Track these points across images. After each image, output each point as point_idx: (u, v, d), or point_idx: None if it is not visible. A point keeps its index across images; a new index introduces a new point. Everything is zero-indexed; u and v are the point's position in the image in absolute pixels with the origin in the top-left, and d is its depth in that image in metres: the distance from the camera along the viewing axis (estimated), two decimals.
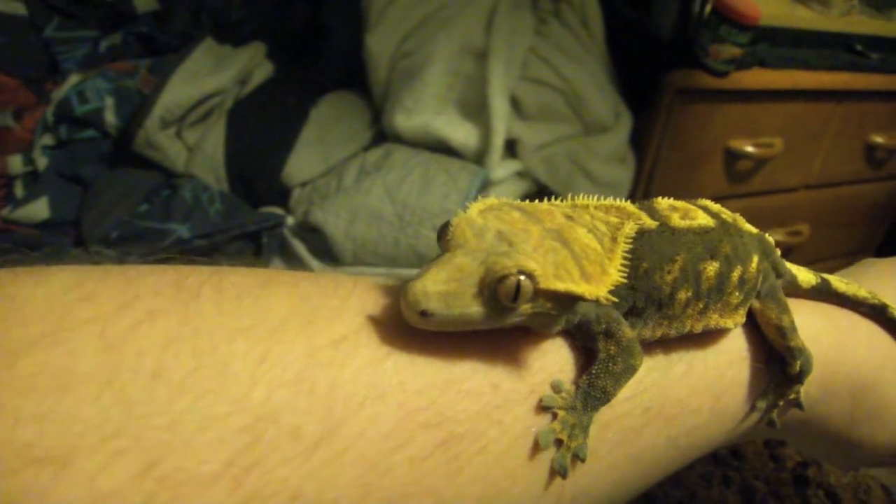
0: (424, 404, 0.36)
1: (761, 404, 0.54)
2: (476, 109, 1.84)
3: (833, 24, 2.27)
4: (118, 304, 0.32)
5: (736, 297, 0.50)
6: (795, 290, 0.60)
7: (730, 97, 2.06)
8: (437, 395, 0.36)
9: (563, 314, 0.41)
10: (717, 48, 1.91)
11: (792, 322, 0.53)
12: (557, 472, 0.40)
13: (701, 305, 0.48)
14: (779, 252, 0.58)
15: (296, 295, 0.37)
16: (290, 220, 1.83)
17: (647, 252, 0.44)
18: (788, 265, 0.60)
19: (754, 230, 0.54)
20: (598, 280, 0.39)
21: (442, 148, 1.87)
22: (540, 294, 0.37)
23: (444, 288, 0.35)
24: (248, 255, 1.75)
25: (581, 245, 0.40)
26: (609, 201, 0.46)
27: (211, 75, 1.84)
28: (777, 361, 0.54)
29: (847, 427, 0.60)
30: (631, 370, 0.42)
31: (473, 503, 0.37)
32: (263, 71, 1.97)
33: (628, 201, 0.47)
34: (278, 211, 1.84)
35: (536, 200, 0.43)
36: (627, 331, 0.43)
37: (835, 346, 0.58)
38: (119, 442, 0.28)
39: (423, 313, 0.35)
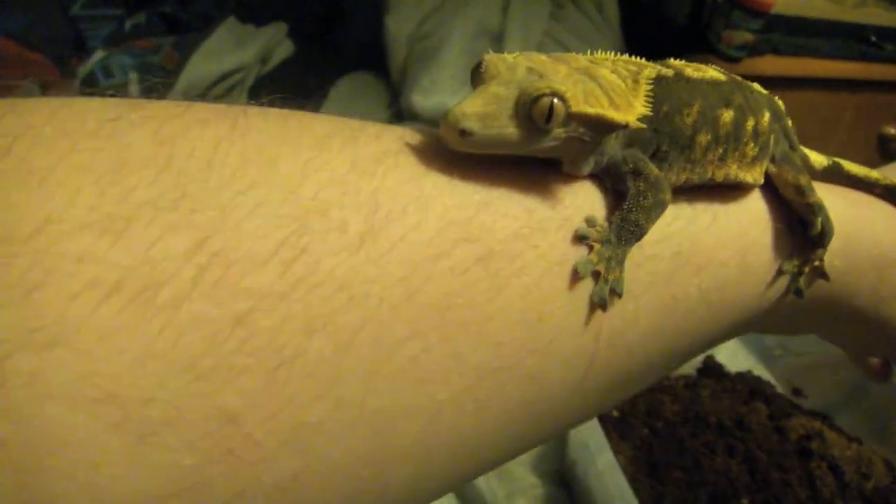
0: (464, 218, 0.37)
1: (787, 267, 0.54)
2: None
3: (847, 14, 2.28)
4: (169, 112, 0.33)
5: (752, 148, 0.51)
6: (808, 172, 0.59)
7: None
8: (474, 212, 0.37)
9: (592, 145, 0.41)
10: (730, 34, 1.93)
11: (809, 182, 0.54)
12: (597, 304, 0.41)
13: (721, 151, 0.49)
14: (790, 122, 0.58)
15: (338, 121, 0.38)
16: None
17: (666, 96, 0.45)
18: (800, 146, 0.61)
19: (764, 91, 0.55)
20: (626, 110, 0.40)
21: None
22: (573, 118, 0.38)
23: (481, 109, 0.36)
24: None
25: (607, 80, 0.41)
26: (626, 56, 0.47)
27: (232, 52, 1.88)
28: (799, 226, 0.55)
29: (874, 304, 0.60)
30: (661, 205, 0.43)
31: (515, 325, 0.37)
32: (284, 50, 2.01)
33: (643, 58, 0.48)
34: None
35: None
36: (654, 169, 0.44)
37: (853, 221, 0.58)
38: (172, 216, 0.29)
39: (462, 132, 0.36)
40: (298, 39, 2.06)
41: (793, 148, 0.58)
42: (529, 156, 0.40)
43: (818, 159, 0.62)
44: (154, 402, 0.27)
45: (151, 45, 1.96)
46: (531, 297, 0.38)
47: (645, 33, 2.10)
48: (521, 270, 0.38)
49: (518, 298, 0.37)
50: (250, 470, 0.30)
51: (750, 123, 0.50)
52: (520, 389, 0.39)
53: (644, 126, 0.43)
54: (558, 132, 0.38)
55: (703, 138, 0.47)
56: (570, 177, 0.43)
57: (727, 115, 0.48)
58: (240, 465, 0.30)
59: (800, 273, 0.55)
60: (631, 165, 0.43)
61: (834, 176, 0.63)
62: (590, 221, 0.42)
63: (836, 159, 0.63)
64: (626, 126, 0.40)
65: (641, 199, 0.42)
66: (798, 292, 0.55)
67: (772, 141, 0.54)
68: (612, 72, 0.42)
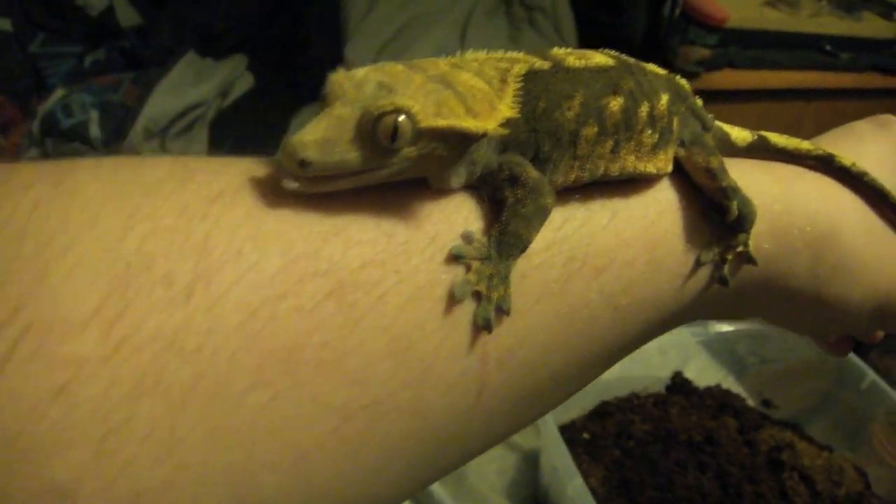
0: (310, 251, 0.34)
1: (706, 257, 0.50)
2: None
3: (802, 25, 2.31)
4: None
5: (649, 135, 0.47)
6: (730, 149, 0.57)
7: (701, 98, 2.08)
8: (322, 243, 0.34)
9: (455, 158, 0.39)
10: (686, 50, 1.95)
11: (721, 164, 0.50)
12: (481, 326, 0.38)
13: (611, 143, 0.45)
14: (700, 102, 0.55)
15: (178, 163, 0.36)
16: None
17: (542, 91, 0.42)
18: (720, 123, 0.57)
19: (662, 71, 0.51)
20: (487, 116, 0.38)
21: None
22: (423, 134, 0.35)
23: (321, 135, 0.34)
24: None
25: (466, 86, 0.38)
26: (500, 53, 0.44)
27: (193, 87, 1.88)
28: (716, 211, 0.51)
29: (812, 285, 0.56)
30: (543, 210, 0.40)
31: (380, 359, 0.35)
32: (244, 82, 2.01)
33: (522, 52, 0.45)
34: None
35: None
36: (533, 172, 0.41)
37: (781, 198, 0.54)
38: None
39: (302, 163, 0.33)
40: (259, 71, 2.06)
41: (706, 128, 0.54)
42: (387, 181, 0.37)
43: (741, 135, 0.59)
44: None
45: (111, 81, 1.95)
46: (396, 328, 0.35)
47: None
48: (381, 300, 0.35)
49: (380, 331, 0.35)
50: None
51: (644, 109, 0.46)
52: (399, 423, 0.36)
53: (507, 131, 0.40)
54: (409, 151, 0.36)
55: (589, 132, 0.44)
56: (441, 190, 0.40)
57: (615, 104, 0.45)
58: None
59: (722, 261, 0.52)
60: (507, 172, 0.41)
61: (761, 151, 0.59)
62: (466, 237, 0.39)
63: (762, 133, 0.60)
64: (484, 135, 0.38)
65: (520, 207, 0.40)
66: (722, 280, 0.52)
67: (675, 124, 0.50)
68: (478, 74, 0.40)
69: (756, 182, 0.53)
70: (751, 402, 1.27)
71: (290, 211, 0.35)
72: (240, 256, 0.32)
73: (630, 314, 0.47)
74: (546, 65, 0.43)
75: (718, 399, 1.23)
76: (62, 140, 1.86)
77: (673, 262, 0.49)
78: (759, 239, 0.52)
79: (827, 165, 0.59)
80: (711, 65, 2.02)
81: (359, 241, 0.35)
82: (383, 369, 0.35)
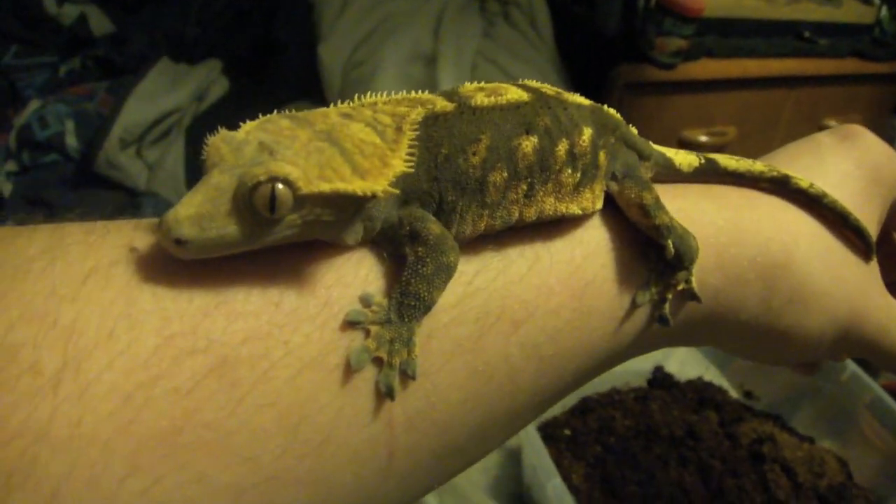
0: (188, 328, 0.32)
1: (642, 298, 0.48)
2: None
3: (780, 13, 2.30)
4: None
5: (569, 174, 0.45)
6: (677, 175, 0.55)
7: (680, 88, 2.09)
8: (201, 318, 0.33)
9: (345, 220, 0.37)
10: (662, 41, 1.94)
11: (656, 199, 0.47)
12: (384, 393, 0.36)
13: (524, 187, 0.43)
14: (635, 130, 0.52)
15: (55, 236, 0.34)
16: None
17: (444, 137, 0.40)
18: (662, 148, 0.54)
19: (586, 102, 0.48)
20: (378, 174, 0.36)
21: None
22: (307, 200, 0.34)
23: (196, 210, 0.32)
24: None
25: (355, 141, 0.36)
26: (402, 94, 0.42)
27: (168, 94, 1.87)
28: (653, 249, 0.48)
29: (765, 317, 0.53)
30: (445, 269, 0.38)
31: (270, 434, 0.33)
32: (219, 87, 2.00)
33: (426, 92, 0.43)
34: None
35: None
36: (434, 227, 0.38)
37: (730, 229, 0.52)
38: None
39: (178, 241, 0.31)
40: (233, 75, 2.06)
41: (643, 157, 0.52)
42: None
43: (687, 159, 0.55)
44: None
45: (86, 90, 1.95)
46: (284, 402, 0.34)
47: (579, 45, 2.12)
48: (267, 374, 0.34)
49: (266, 406, 0.33)
50: None
51: (562, 147, 0.44)
52: (301, 496, 0.35)
53: (398, 190, 0.37)
54: (291, 219, 0.34)
55: (498, 177, 0.42)
56: (337, 248, 0.38)
57: (528, 144, 0.42)
58: None
59: (662, 301, 0.49)
60: (407, 228, 0.38)
61: (710, 175, 0.56)
62: (364, 300, 0.37)
63: (712, 156, 0.56)
64: (372, 197, 0.35)
65: (420, 266, 0.37)
66: (663, 320, 0.49)
67: (602, 159, 0.47)
68: (370, 124, 0.38)
69: (702, 212, 0.51)
70: (733, 394, 1.26)
71: (167, 285, 0.33)
72: (111, 339, 0.31)
73: (558, 363, 0.45)
74: (450, 106, 0.41)
75: (700, 392, 1.23)
76: (39, 152, 1.85)
77: (605, 307, 0.47)
78: (704, 273, 0.50)
79: (782, 187, 0.57)
80: (689, 55, 2.01)
81: (242, 312, 0.34)
82: (275, 445, 0.34)
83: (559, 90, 0.47)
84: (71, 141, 1.84)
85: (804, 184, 0.56)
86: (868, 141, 0.60)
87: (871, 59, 2.46)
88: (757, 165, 0.57)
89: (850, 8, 2.45)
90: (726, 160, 0.57)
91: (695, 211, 0.51)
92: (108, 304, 0.32)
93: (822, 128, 2.58)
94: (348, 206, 0.36)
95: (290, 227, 0.34)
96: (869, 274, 0.58)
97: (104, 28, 2.04)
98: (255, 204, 0.32)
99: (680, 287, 0.49)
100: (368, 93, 0.41)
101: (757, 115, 2.32)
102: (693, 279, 0.49)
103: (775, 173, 0.56)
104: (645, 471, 1.08)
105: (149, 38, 2.06)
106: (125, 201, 1.82)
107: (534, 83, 0.46)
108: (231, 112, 1.92)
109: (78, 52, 2.05)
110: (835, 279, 0.55)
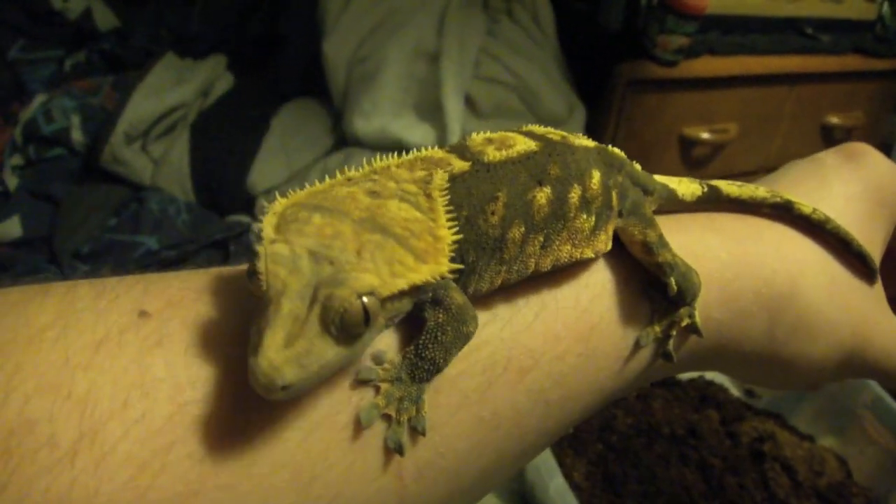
0: (199, 396, 0.33)
1: (646, 339, 0.48)
2: (432, 110, 1.87)
3: (782, 9, 2.31)
4: None
5: (584, 220, 0.45)
6: (681, 205, 0.55)
7: (681, 86, 2.10)
8: (213, 384, 0.33)
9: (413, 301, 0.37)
10: (664, 38, 1.95)
11: (660, 237, 0.48)
12: (393, 449, 0.36)
13: (541, 239, 0.43)
14: (638, 166, 0.52)
15: (65, 301, 0.35)
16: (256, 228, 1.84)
17: (464, 198, 0.39)
18: (665, 179, 0.55)
19: (591, 143, 0.48)
20: (435, 251, 0.36)
21: (400, 150, 1.87)
22: (387, 301, 0.34)
23: (290, 352, 0.31)
24: (216, 265, 1.77)
25: (400, 223, 0.36)
26: (413, 154, 0.41)
27: (173, 89, 1.87)
28: (656, 288, 0.49)
29: (769, 347, 0.54)
30: (463, 338, 0.38)
31: (283, 492, 0.34)
32: (224, 83, 2.01)
33: (436, 148, 0.43)
34: (244, 219, 1.87)
35: (327, 178, 0.39)
36: (457, 296, 0.38)
37: (735, 263, 0.52)
38: None
39: (284, 388, 0.31)
40: (238, 71, 2.06)
41: (648, 192, 0.52)
42: None
43: (690, 189, 0.56)
44: None
45: (91, 85, 1.94)
46: (297, 460, 0.34)
47: (581, 42, 2.12)
48: (279, 436, 0.34)
49: (279, 466, 0.34)
50: None
51: (574, 194, 0.44)
52: None
53: (459, 266, 0.37)
54: (379, 323, 0.34)
55: (516, 233, 0.41)
56: None
57: (542, 196, 0.42)
58: None
59: (666, 338, 0.49)
60: (430, 294, 0.38)
61: (713, 203, 0.57)
62: (376, 358, 0.37)
63: (714, 183, 0.57)
64: (441, 279, 0.36)
65: (440, 333, 0.37)
66: (667, 356, 0.50)
67: (614, 199, 0.48)
68: (402, 196, 0.37)
69: (706, 247, 0.52)
70: (734, 392, 1.27)
71: (179, 352, 0.34)
72: (125, 408, 0.31)
73: (564, 406, 0.45)
74: (465, 165, 0.40)
75: (701, 390, 1.24)
76: (44, 146, 1.85)
77: (610, 348, 0.47)
78: (708, 308, 0.50)
79: (785, 213, 0.57)
80: (691, 52, 2.02)
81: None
82: (289, 501, 0.34)
83: (564, 134, 0.47)
84: (77, 136, 1.84)
85: (807, 210, 0.56)
86: (872, 160, 0.60)
87: (873, 56, 2.46)
88: (760, 191, 0.57)
89: (852, 4, 2.45)
90: (728, 187, 0.57)
91: (699, 245, 0.51)
92: (121, 373, 0.32)
93: (824, 125, 2.60)
94: (420, 291, 0.36)
95: (378, 328, 0.35)
96: (873, 298, 0.58)
97: (109, 22, 2.04)
98: (348, 324, 0.32)
99: (684, 323, 0.49)
100: (378, 156, 0.41)
101: (758, 112, 2.33)
102: (696, 314, 0.49)
103: (778, 199, 0.56)
104: (646, 469, 1.09)
105: (154, 33, 2.06)
106: (130, 196, 1.82)
107: (539, 129, 0.46)
108: (237, 107, 1.93)
109: (83, 47, 2.05)
110: (839, 307, 0.55)
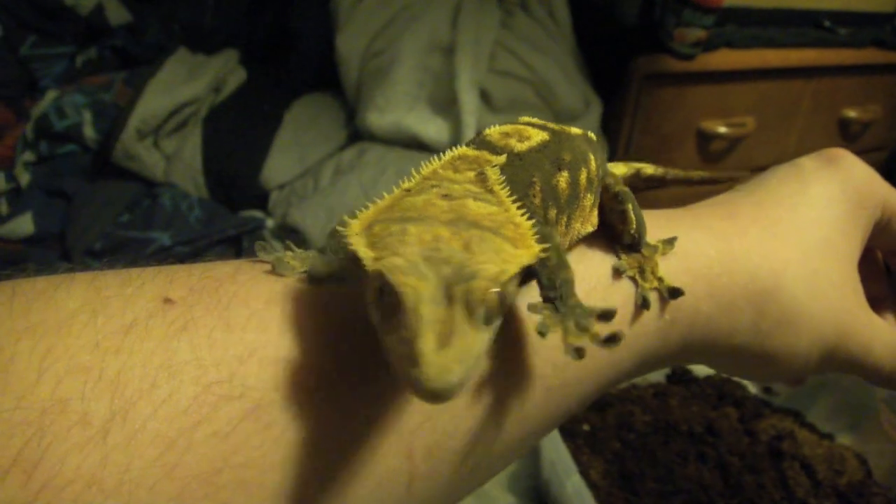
0: (224, 376, 0.34)
1: (623, 266, 0.51)
2: (446, 104, 1.86)
3: (800, 2, 2.29)
4: None
5: (588, 199, 0.49)
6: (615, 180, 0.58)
7: (699, 79, 2.08)
8: (237, 366, 0.35)
9: None
10: (682, 32, 1.93)
11: (628, 191, 0.52)
12: (641, 306, 0.45)
13: (565, 219, 0.46)
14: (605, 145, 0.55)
15: (92, 289, 0.36)
16: (269, 223, 1.86)
17: (511, 187, 0.41)
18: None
19: (578, 130, 0.52)
20: (521, 237, 0.37)
21: (415, 144, 1.89)
22: (507, 285, 0.34)
23: (450, 352, 0.31)
24: (229, 259, 1.77)
25: (485, 218, 0.37)
26: (447, 157, 0.43)
27: (185, 84, 1.87)
28: (618, 244, 0.52)
29: (756, 339, 0.56)
30: (556, 250, 0.40)
31: (303, 466, 0.35)
32: (237, 77, 2.00)
33: (462, 146, 0.44)
34: (258, 214, 1.87)
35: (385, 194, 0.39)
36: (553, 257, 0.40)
37: (722, 259, 0.54)
38: None
39: (459, 386, 0.31)
40: (251, 65, 2.05)
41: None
42: None
43: (622, 171, 0.61)
44: None
45: (103, 81, 1.94)
46: (314, 439, 0.36)
47: (597, 36, 2.11)
48: (298, 415, 0.35)
49: (299, 445, 0.35)
50: None
51: (583, 177, 0.48)
52: None
53: (546, 245, 0.38)
54: (507, 305, 0.35)
55: (552, 214, 0.44)
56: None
57: (563, 180, 0.45)
58: None
59: (643, 279, 0.51)
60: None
61: (631, 180, 0.63)
62: (533, 308, 0.39)
63: (636, 165, 0.63)
64: (535, 258, 0.37)
65: (554, 270, 0.40)
66: (645, 303, 0.50)
67: (601, 177, 0.52)
68: (468, 191, 0.39)
69: (694, 243, 0.54)
70: (751, 389, 1.26)
71: (204, 335, 0.35)
72: (154, 389, 0.33)
73: (564, 393, 0.47)
74: (502, 159, 0.42)
75: (718, 388, 1.22)
76: (56, 142, 1.85)
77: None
78: (697, 302, 0.53)
79: (636, 179, 0.64)
80: (708, 45, 2.00)
81: (273, 359, 0.36)
82: (306, 478, 0.36)
83: (558, 125, 0.50)
84: (89, 132, 1.84)
85: (649, 170, 0.65)
86: (850, 164, 0.62)
87: (891, 49, 2.44)
88: (620, 168, 0.63)
89: None
90: (647, 168, 0.64)
91: (687, 242, 0.53)
92: (149, 356, 0.34)
93: (841, 119, 2.59)
94: (520, 275, 0.37)
95: (503, 312, 0.35)
96: (853, 295, 0.60)
97: (121, 18, 2.04)
98: (491, 312, 0.33)
99: (658, 274, 0.51)
100: (422, 163, 0.42)
101: (776, 106, 2.31)
102: (663, 276, 0.51)
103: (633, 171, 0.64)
104: (664, 467, 1.07)
105: (166, 28, 2.06)
106: (142, 192, 1.82)
107: (536, 121, 0.49)
108: (249, 102, 1.92)
109: (95, 42, 2.05)
110: (820, 301, 0.57)
